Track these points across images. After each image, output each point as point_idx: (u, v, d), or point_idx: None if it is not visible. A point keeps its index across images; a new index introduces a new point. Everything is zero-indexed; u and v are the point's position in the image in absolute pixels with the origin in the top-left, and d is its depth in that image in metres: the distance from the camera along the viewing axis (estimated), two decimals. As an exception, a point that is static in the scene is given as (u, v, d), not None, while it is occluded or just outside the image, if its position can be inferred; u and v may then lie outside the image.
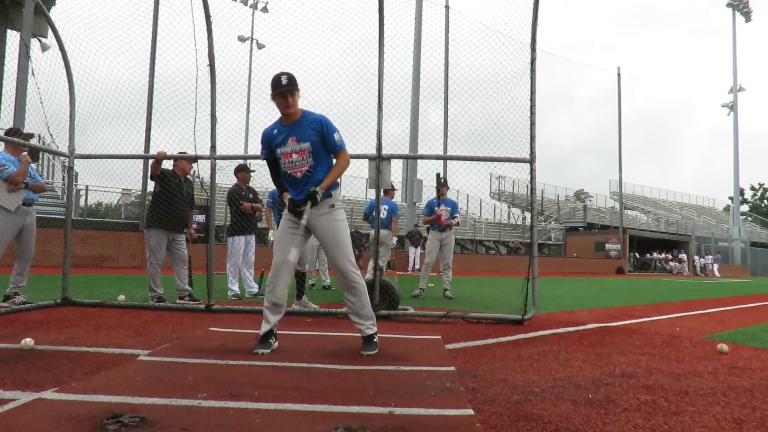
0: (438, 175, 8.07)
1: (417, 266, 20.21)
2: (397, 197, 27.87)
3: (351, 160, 3.61)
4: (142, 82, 16.22)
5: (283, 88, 3.27)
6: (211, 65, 5.52)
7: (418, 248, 20.90)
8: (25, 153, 5.23)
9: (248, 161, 7.57)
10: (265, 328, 3.36)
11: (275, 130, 3.41)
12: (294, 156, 3.36)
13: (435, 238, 8.06)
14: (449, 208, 8.06)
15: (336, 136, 3.37)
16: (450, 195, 8.47)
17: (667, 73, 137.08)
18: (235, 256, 7.11)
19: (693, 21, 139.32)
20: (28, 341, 3.29)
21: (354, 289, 3.38)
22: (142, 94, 16.28)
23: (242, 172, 7.23)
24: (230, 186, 7.45)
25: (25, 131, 5.50)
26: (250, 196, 7.21)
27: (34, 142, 5.51)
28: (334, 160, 3.47)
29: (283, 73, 3.29)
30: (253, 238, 7.39)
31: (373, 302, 4.26)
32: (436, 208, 7.96)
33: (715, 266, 35.01)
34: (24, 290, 5.43)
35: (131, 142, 14.71)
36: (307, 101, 3.51)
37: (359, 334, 3.45)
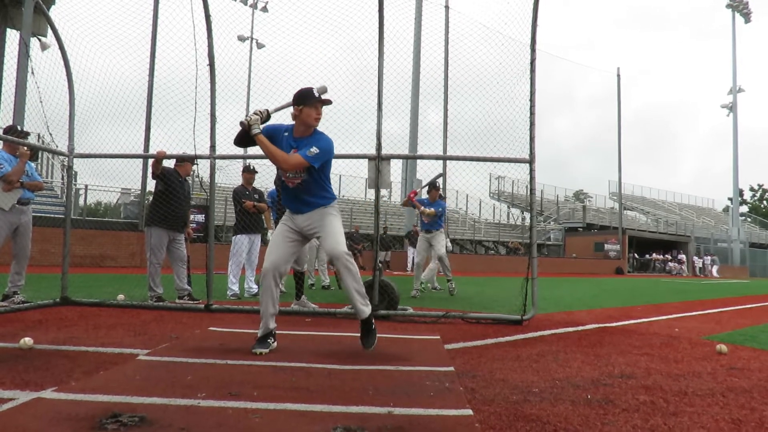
0: (434, 182, 8.11)
1: (416, 266, 20.18)
2: (396, 197, 27.98)
3: (351, 159, 3.63)
4: (142, 81, 16.23)
5: (318, 99, 3.31)
6: (211, 65, 5.51)
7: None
8: (24, 148, 5.22)
9: (249, 161, 7.58)
10: (263, 329, 3.37)
11: (286, 133, 3.42)
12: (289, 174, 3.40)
13: (423, 239, 8.19)
14: (433, 209, 8.02)
15: (313, 149, 3.28)
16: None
17: (667, 73, 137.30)
18: (237, 256, 7.12)
19: (693, 21, 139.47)
20: (27, 340, 3.28)
21: (348, 269, 3.37)
22: (141, 93, 16.30)
23: (245, 173, 7.25)
24: (230, 186, 7.47)
25: (24, 130, 5.50)
26: (255, 196, 7.21)
27: (33, 140, 5.51)
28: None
29: (312, 88, 3.35)
30: (258, 238, 7.38)
31: (372, 302, 4.27)
32: (423, 207, 7.99)
33: (714, 267, 35.02)
34: (23, 289, 5.42)
35: (131, 141, 14.72)
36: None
37: (359, 334, 3.45)
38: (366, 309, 3.43)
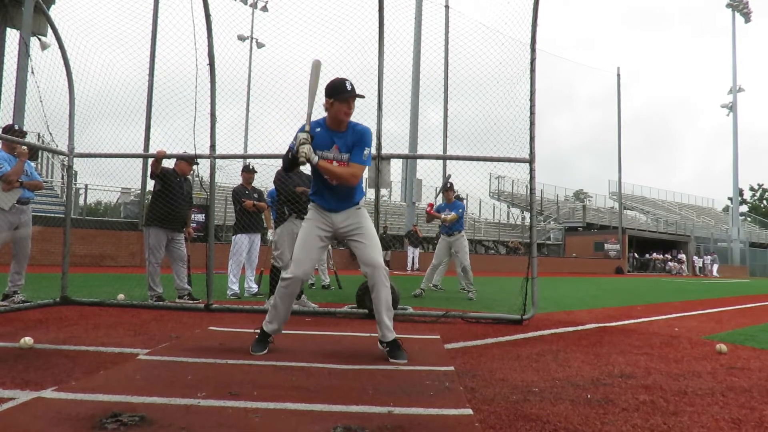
0: (445, 184, 7.98)
1: (416, 266, 20.21)
2: (396, 197, 27.97)
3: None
4: (142, 80, 16.20)
5: (350, 94, 3.20)
6: (211, 64, 5.51)
7: (417, 248, 20.93)
8: (23, 148, 5.22)
9: (249, 161, 7.59)
10: (268, 328, 3.33)
11: (318, 129, 3.30)
12: (335, 164, 3.26)
13: (444, 242, 7.97)
14: (452, 212, 7.83)
15: (366, 151, 3.27)
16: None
17: (667, 72, 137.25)
18: (237, 255, 7.12)
19: (694, 20, 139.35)
20: (27, 340, 3.29)
21: (384, 285, 3.25)
22: (141, 92, 16.27)
23: (245, 172, 7.25)
24: (230, 185, 7.48)
25: (24, 130, 5.50)
26: (255, 195, 7.22)
27: (33, 140, 5.51)
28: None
29: (346, 79, 3.24)
30: (258, 238, 7.39)
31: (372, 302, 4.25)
32: (442, 214, 7.84)
33: (714, 267, 35.03)
34: (23, 289, 5.42)
35: (130, 140, 14.63)
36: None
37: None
38: (392, 333, 3.25)
